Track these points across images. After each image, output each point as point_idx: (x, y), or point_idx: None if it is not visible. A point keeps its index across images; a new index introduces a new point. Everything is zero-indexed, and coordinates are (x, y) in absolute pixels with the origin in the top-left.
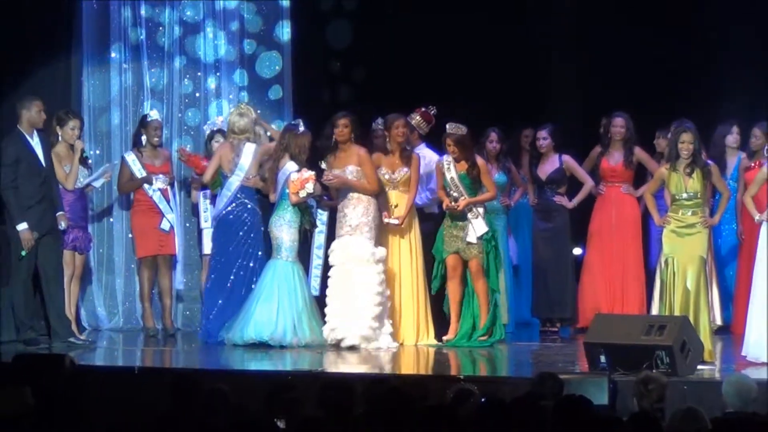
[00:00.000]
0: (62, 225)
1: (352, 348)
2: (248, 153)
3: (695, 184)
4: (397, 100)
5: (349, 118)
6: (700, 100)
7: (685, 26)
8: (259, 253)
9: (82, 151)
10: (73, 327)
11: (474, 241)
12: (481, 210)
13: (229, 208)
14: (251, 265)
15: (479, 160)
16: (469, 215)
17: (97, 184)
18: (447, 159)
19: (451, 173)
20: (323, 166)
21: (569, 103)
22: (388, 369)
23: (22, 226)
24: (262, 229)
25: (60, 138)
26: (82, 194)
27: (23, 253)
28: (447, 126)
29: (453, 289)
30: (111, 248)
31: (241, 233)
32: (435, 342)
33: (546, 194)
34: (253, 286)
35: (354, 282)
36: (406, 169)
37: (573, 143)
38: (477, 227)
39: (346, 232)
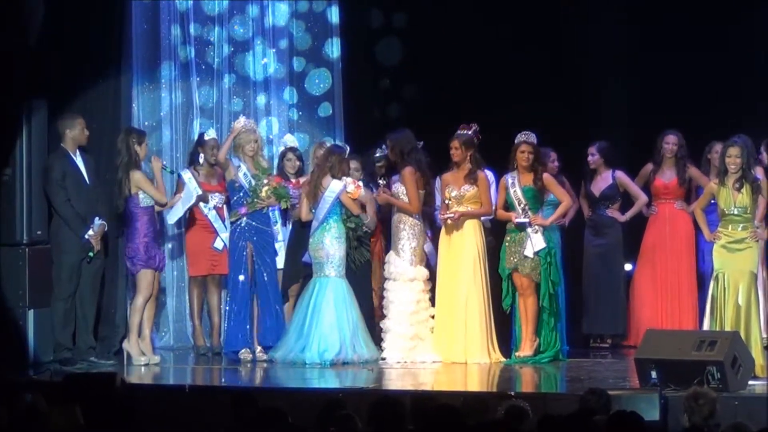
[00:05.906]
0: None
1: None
2: None
3: (744, 198)
4: (447, 116)
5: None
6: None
7: (739, 41)
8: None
9: (163, 167)
10: (144, 348)
11: (531, 255)
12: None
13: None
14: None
15: (545, 174)
16: (529, 230)
17: (172, 219)
18: (512, 175)
19: (515, 188)
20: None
21: (619, 120)
22: (437, 386)
23: (91, 231)
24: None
25: (140, 156)
26: (153, 214)
27: (91, 254)
28: (519, 135)
29: (522, 305)
30: None
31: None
32: (502, 358)
33: (599, 210)
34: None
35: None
36: (468, 187)
37: (622, 160)
38: (535, 242)
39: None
